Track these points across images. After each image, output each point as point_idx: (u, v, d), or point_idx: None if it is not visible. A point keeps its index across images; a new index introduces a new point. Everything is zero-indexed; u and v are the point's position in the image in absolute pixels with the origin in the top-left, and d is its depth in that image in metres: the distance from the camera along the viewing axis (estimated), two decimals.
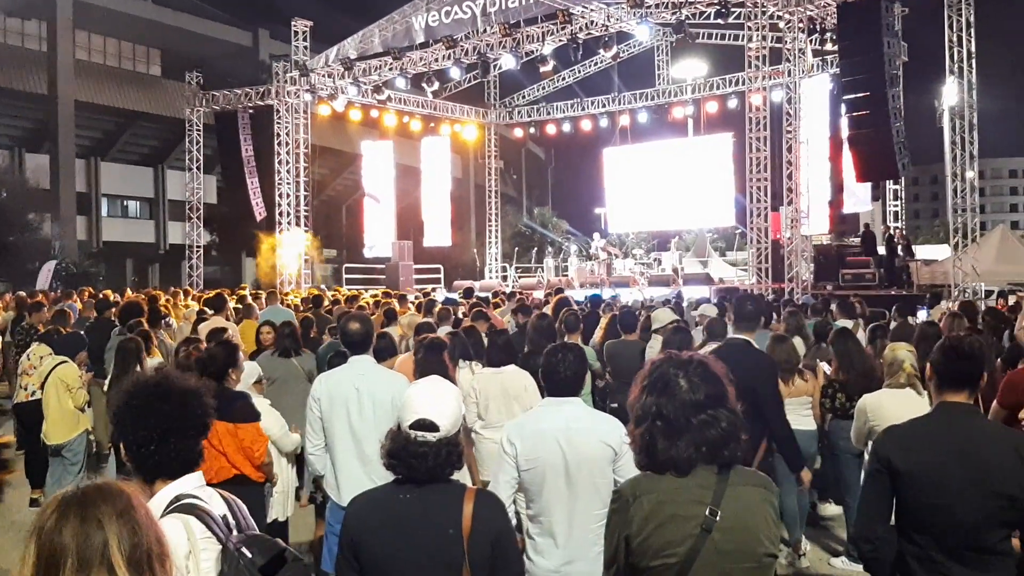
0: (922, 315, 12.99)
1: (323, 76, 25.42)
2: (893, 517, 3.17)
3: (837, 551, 6.86)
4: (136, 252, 42.42)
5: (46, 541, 1.63)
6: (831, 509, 7.87)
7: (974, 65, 18.40)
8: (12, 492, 8.54)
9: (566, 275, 27.30)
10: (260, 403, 5.46)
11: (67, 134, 36.59)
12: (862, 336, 9.26)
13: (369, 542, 2.69)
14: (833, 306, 11.37)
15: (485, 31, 21.95)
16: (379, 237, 30.53)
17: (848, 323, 9.60)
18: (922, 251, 29.31)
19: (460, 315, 10.77)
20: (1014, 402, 4.47)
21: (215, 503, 2.48)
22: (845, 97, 17.69)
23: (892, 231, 22.60)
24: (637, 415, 2.50)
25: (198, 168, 27.19)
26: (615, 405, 6.79)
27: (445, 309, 10.27)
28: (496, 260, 32.77)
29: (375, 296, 16.41)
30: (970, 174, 18.68)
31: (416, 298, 16.42)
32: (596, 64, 28.44)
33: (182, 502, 2.38)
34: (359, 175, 32.95)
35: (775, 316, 10.85)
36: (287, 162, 25.70)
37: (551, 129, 30.74)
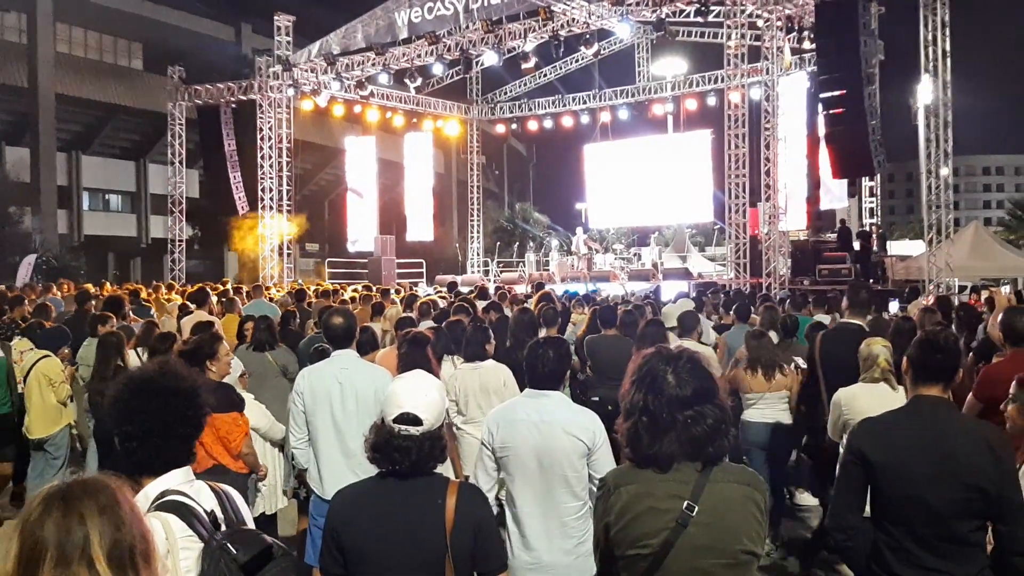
0: (893, 307, 13.21)
1: (306, 71, 25.38)
2: (868, 508, 3.22)
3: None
4: (118, 246, 42.12)
5: (28, 535, 1.60)
6: (807, 499, 8.06)
7: (949, 64, 18.62)
8: None
9: (547, 270, 27.43)
10: (244, 397, 5.47)
11: (48, 127, 36.29)
12: None
13: (352, 535, 2.72)
14: (810, 301, 11.57)
15: (467, 27, 22.00)
16: (362, 232, 30.53)
17: (825, 318, 9.80)
18: (897, 247, 29.62)
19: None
20: (989, 395, 4.47)
21: (203, 497, 2.44)
22: (822, 95, 17.89)
23: (868, 228, 22.93)
24: (626, 409, 2.51)
25: (180, 162, 27.06)
26: (596, 399, 6.92)
27: (427, 304, 10.38)
28: (478, 255, 32.83)
29: (356, 291, 16.48)
30: (944, 171, 18.92)
31: (398, 291, 16.51)
32: (577, 61, 28.57)
33: (165, 499, 2.34)
34: (342, 170, 32.93)
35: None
36: (270, 156, 25.65)
37: (533, 125, 30.78)
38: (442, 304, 11.34)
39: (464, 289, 16.57)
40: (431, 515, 2.69)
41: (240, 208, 26.72)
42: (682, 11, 20.44)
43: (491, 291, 15.25)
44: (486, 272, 30.57)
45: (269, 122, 25.64)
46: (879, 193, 26.64)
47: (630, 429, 2.49)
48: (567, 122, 29.78)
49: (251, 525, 2.55)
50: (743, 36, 21.44)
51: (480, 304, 11.89)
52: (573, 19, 20.96)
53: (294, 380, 7.46)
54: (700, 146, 27.43)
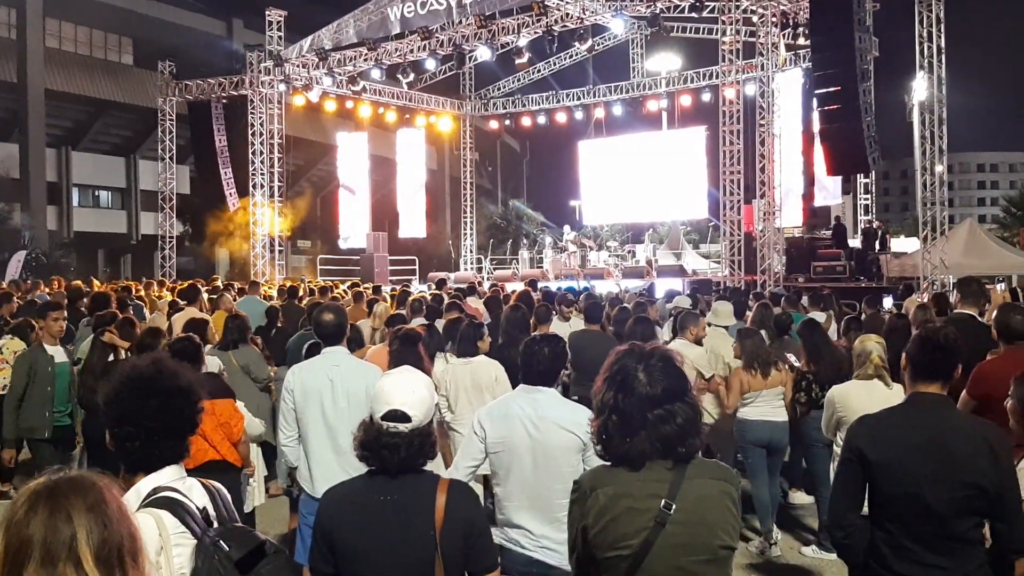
0: (887, 303, 13.18)
1: (297, 66, 25.26)
2: (867, 506, 3.22)
3: (808, 540, 6.96)
4: (108, 242, 41.97)
5: (14, 533, 1.58)
6: (802, 498, 8.00)
7: (944, 60, 18.62)
8: None
9: (541, 267, 27.36)
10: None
11: (37, 123, 36.10)
12: (833, 329, 9.42)
13: (342, 534, 2.69)
14: (805, 298, 11.51)
15: (460, 22, 21.90)
16: (354, 228, 30.43)
17: (820, 316, 9.74)
18: (891, 244, 29.69)
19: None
20: (983, 393, 4.53)
21: (195, 494, 2.42)
22: (817, 91, 17.86)
23: (872, 225, 22.96)
24: (597, 407, 2.50)
25: (171, 158, 26.93)
26: (575, 398, 6.86)
27: (418, 301, 10.28)
28: (471, 252, 32.76)
29: (344, 291, 16.36)
30: (939, 168, 18.90)
31: (393, 290, 16.43)
32: (571, 57, 28.49)
33: (158, 495, 2.33)
34: (334, 166, 32.80)
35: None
36: (261, 152, 25.53)
37: (526, 121, 30.75)
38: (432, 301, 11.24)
39: (456, 287, 16.45)
40: (421, 514, 2.66)
41: (231, 204, 26.61)
42: (677, 6, 20.39)
43: (483, 288, 15.18)
44: (479, 269, 30.49)
45: (260, 118, 25.51)
46: (874, 190, 26.63)
47: (601, 427, 2.47)
48: (561, 118, 29.74)
49: (238, 523, 2.51)
50: (738, 32, 21.41)
51: (469, 301, 11.84)
52: (567, 14, 20.88)
53: (257, 379, 7.45)
54: (695, 143, 27.40)
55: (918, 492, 3.02)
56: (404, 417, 2.68)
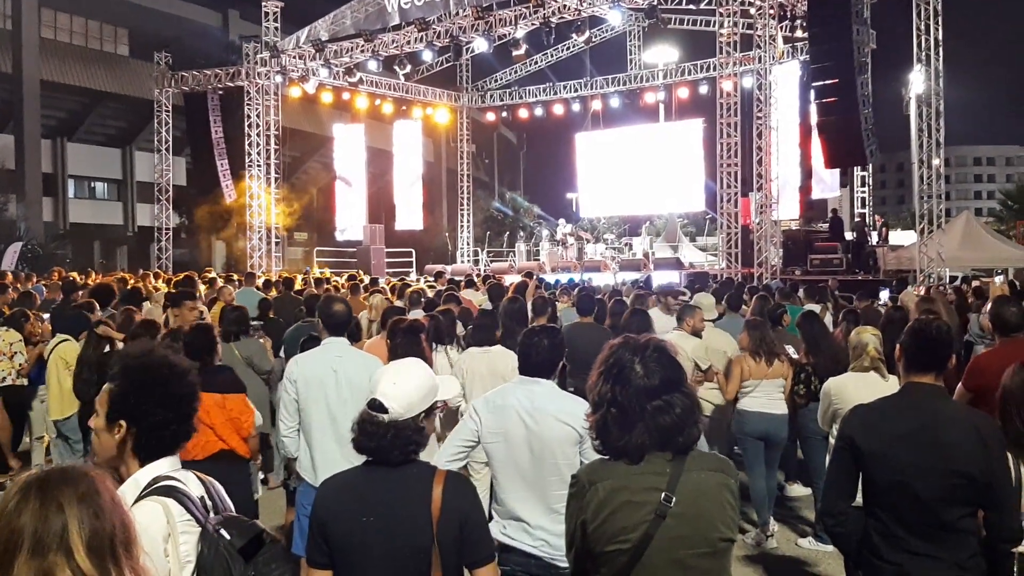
0: (884, 295, 13.20)
1: (294, 58, 25.20)
2: (860, 495, 3.24)
3: (805, 532, 6.98)
4: (104, 234, 41.83)
5: (5, 524, 1.58)
6: (798, 490, 8.02)
7: (941, 54, 18.62)
8: None
9: (538, 259, 27.37)
10: None
11: (32, 114, 35.94)
12: (829, 320, 9.43)
13: (338, 524, 2.69)
14: (800, 291, 11.51)
15: (458, 14, 21.85)
16: (350, 220, 30.40)
17: (816, 307, 9.74)
18: (889, 237, 29.73)
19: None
20: (978, 385, 4.56)
21: (192, 485, 2.43)
22: (814, 84, 17.88)
23: (872, 219, 23.01)
24: (594, 401, 2.49)
25: (167, 150, 26.85)
26: (571, 390, 6.85)
27: (416, 293, 10.26)
28: (468, 244, 32.74)
29: (340, 283, 16.36)
30: (936, 161, 18.92)
31: (389, 282, 16.42)
32: (568, 48, 28.45)
33: (160, 484, 2.34)
34: (330, 158, 32.75)
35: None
36: (257, 144, 25.47)
37: (523, 113, 30.70)
38: (430, 293, 11.25)
39: (454, 279, 16.45)
40: (417, 505, 2.66)
41: (227, 196, 26.57)
42: None
43: (479, 280, 15.15)
44: (476, 262, 30.48)
45: (257, 109, 25.45)
46: (871, 183, 26.62)
47: (599, 421, 2.46)
48: (558, 110, 29.70)
49: (233, 513, 2.52)
50: (735, 24, 21.39)
51: (466, 293, 11.83)
52: (564, 6, 20.84)
53: (260, 371, 7.44)
54: (692, 135, 27.41)
55: (908, 481, 3.04)
56: (381, 408, 2.70)
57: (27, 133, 35.77)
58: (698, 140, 27.12)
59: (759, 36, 20.48)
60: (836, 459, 3.35)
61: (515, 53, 23.19)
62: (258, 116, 25.46)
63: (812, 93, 18.35)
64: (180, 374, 2.51)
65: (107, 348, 7.21)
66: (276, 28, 25.14)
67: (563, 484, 3.67)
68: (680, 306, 8.16)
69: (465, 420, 3.90)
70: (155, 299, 12.96)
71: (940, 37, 18.54)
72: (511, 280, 17.28)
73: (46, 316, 9.55)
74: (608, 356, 2.50)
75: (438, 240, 36.78)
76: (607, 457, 2.48)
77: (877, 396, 3.43)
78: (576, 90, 29.29)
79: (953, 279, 20.22)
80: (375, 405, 2.71)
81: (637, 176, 28.20)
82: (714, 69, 24.18)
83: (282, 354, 7.80)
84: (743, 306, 9.86)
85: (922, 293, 11.09)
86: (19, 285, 14.60)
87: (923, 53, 18.56)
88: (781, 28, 20.82)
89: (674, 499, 2.36)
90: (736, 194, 21.32)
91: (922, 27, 18.53)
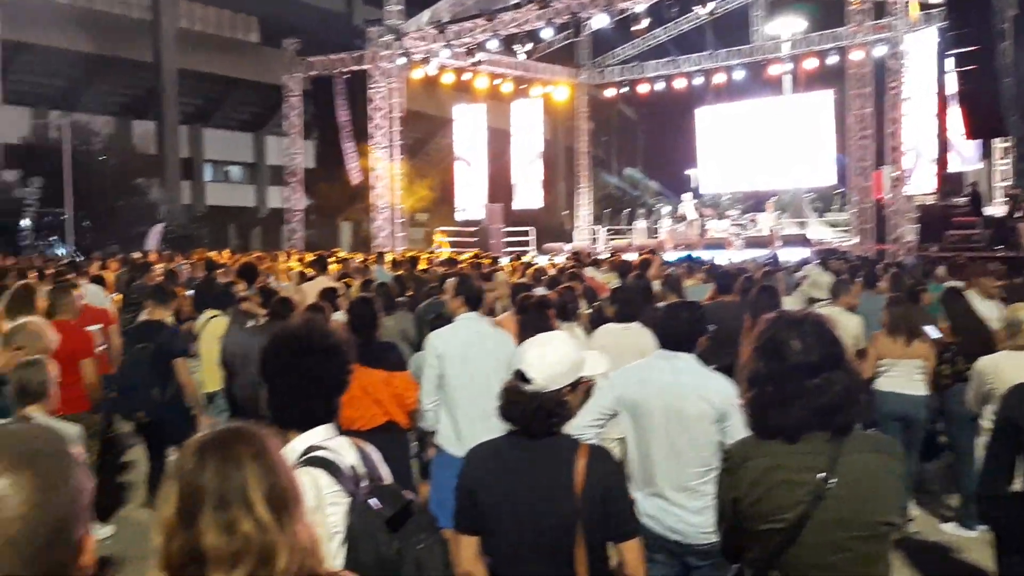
0: None
1: (416, 40, 25.58)
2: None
3: (948, 517, 6.71)
4: (238, 216, 43.63)
5: (187, 482, 1.66)
6: (939, 474, 7.69)
7: None
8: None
9: (657, 237, 27.04)
10: None
11: (171, 102, 37.66)
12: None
13: (485, 492, 2.74)
14: (941, 268, 11.01)
15: None
16: (470, 200, 30.76)
17: (959, 284, 9.28)
18: None
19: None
20: None
21: (346, 453, 2.48)
22: (952, 52, 17.03)
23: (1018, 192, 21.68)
24: (748, 378, 2.43)
25: (296, 133, 27.79)
26: (712, 367, 6.76)
27: (540, 270, 10.34)
28: (587, 222, 32.63)
29: (465, 261, 16.62)
30: None
31: (512, 261, 16.61)
32: (691, 21, 27.83)
33: (312, 454, 2.40)
34: (451, 139, 33.17)
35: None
36: (382, 126, 26.05)
37: (643, 88, 30.27)
38: (552, 272, 11.29)
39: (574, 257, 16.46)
40: (560, 477, 2.66)
41: (353, 178, 27.31)
42: None
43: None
44: (594, 240, 30.35)
45: (381, 92, 26.01)
46: (1014, 155, 25.05)
47: (754, 399, 2.41)
48: (679, 85, 29.16)
49: (389, 481, 2.57)
50: None
51: (590, 271, 11.81)
52: None
53: (412, 343, 7.64)
54: (821, 107, 26.55)
55: None
56: (524, 378, 2.72)
57: (167, 120, 37.53)
58: (828, 112, 26.24)
59: (892, 2, 19.55)
60: (996, 441, 3.20)
61: (635, 28, 22.86)
62: (382, 99, 26.03)
63: (949, 62, 17.46)
64: (319, 349, 2.55)
65: (250, 324, 7.56)
66: (399, 11, 25.61)
67: (701, 461, 3.68)
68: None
69: (603, 390, 3.86)
70: (289, 277, 13.50)
71: None
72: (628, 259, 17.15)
73: (189, 293, 10.04)
74: (764, 332, 2.44)
75: (556, 218, 36.77)
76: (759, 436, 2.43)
77: None
78: (698, 64, 28.66)
79: None
80: (520, 375, 2.74)
81: (762, 150, 27.52)
82: (843, 39, 23.23)
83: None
84: (878, 284, 9.49)
85: None
86: (164, 264, 15.43)
87: None
88: None
89: (834, 480, 2.29)
90: (868, 168, 20.49)
91: None
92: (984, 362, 5.01)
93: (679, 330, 3.82)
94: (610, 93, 32.34)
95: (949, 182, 24.06)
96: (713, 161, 30.11)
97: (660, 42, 29.26)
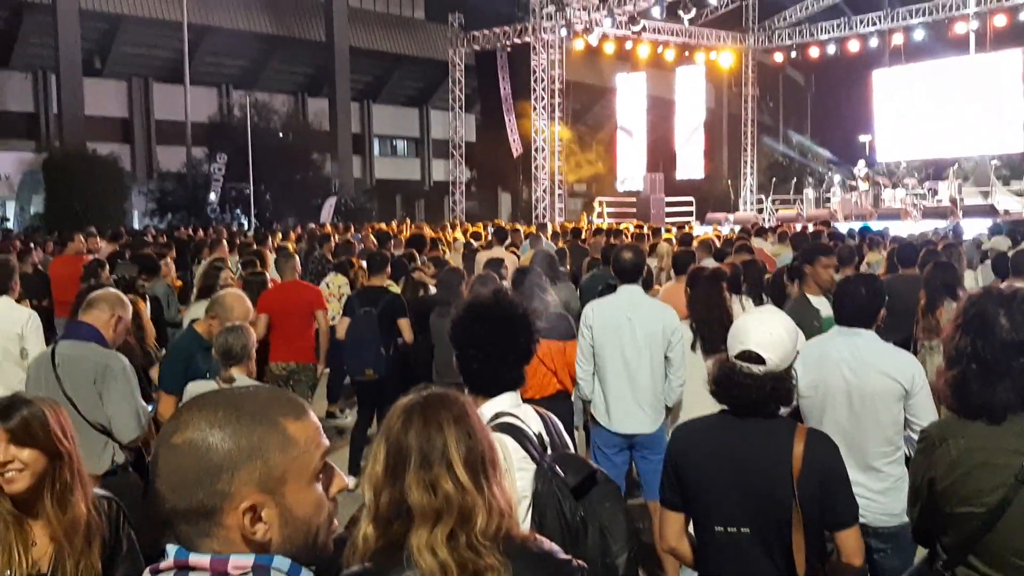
0: None
1: (578, 10, 25.47)
2: None
3: None
4: (404, 189, 44.97)
5: (394, 442, 1.81)
6: None
7: None
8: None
9: (827, 206, 25.94)
10: None
11: (343, 79, 39.00)
12: None
13: (691, 469, 2.71)
14: None
15: None
16: (631, 170, 30.52)
17: None
18: None
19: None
20: None
21: (532, 421, 2.51)
22: None
23: None
24: (951, 355, 2.35)
25: (459, 107, 28.34)
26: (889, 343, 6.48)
27: (707, 241, 10.15)
28: (751, 192, 31.70)
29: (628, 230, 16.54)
30: None
31: (671, 230, 16.42)
32: None
33: (500, 420, 2.43)
34: (612, 109, 32.94)
35: None
36: (543, 98, 26.18)
37: (814, 52, 29.09)
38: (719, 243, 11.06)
39: (734, 228, 16.05)
40: (776, 459, 2.59)
41: (515, 150, 27.63)
42: None
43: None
44: (760, 210, 29.47)
45: (542, 64, 26.10)
46: None
47: (956, 377, 2.32)
48: (853, 46, 27.83)
49: (571, 451, 2.61)
50: None
51: (757, 242, 11.49)
52: None
53: (573, 314, 7.71)
54: (1009, 67, 24.61)
55: None
56: (758, 359, 2.63)
57: (339, 97, 38.95)
58: (1016, 73, 24.30)
59: None
60: None
61: None
62: (543, 71, 26.14)
63: None
64: (509, 318, 2.61)
65: (420, 292, 7.88)
66: None
67: (884, 441, 3.57)
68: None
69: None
70: (455, 248, 13.86)
71: None
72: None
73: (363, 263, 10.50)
74: (969, 307, 2.36)
75: (719, 188, 35.90)
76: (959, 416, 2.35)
77: None
78: (874, 24, 27.15)
79: None
80: (750, 356, 2.64)
81: (943, 115, 25.87)
82: None
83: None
84: None
85: None
86: (338, 235, 16.19)
87: None
88: None
89: None
90: None
91: None
92: None
93: (856, 304, 3.65)
94: (778, 58, 31.20)
95: None
96: (890, 127, 28.52)
97: (833, 2, 27.89)
